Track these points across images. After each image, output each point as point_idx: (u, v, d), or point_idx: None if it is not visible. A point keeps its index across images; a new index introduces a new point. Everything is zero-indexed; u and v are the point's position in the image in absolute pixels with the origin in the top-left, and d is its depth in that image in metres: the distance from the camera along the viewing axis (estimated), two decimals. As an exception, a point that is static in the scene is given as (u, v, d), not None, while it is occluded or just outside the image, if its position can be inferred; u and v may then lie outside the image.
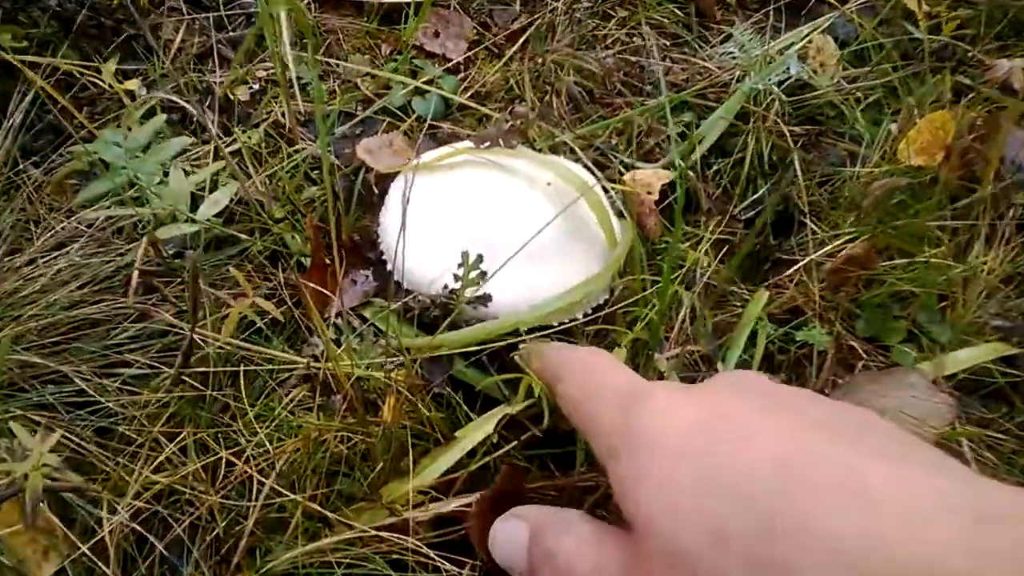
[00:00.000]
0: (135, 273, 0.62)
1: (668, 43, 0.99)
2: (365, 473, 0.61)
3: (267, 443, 0.60)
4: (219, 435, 0.62)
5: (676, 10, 1.03)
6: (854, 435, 0.34)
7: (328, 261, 0.72)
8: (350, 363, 0.58)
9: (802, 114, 0.94)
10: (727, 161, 0.88)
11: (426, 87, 0.84)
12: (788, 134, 0.87)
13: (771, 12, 1.03)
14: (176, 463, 0.61)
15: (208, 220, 0.65)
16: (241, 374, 0.63)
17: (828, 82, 0.94)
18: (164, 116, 0.64)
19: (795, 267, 0.78)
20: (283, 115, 0.78)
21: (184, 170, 0.69)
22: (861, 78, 0.96)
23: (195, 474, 0.60)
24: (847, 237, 0.79)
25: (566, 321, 0.69)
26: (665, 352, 0.76)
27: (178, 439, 0.62)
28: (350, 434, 0.62)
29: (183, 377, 0.61)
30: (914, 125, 0.87)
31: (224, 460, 0.60)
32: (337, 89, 0.86)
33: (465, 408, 0.66)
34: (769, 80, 0.89)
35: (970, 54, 0.94)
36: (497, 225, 0.68)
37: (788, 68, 0.92)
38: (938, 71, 0.94)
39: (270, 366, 0.63)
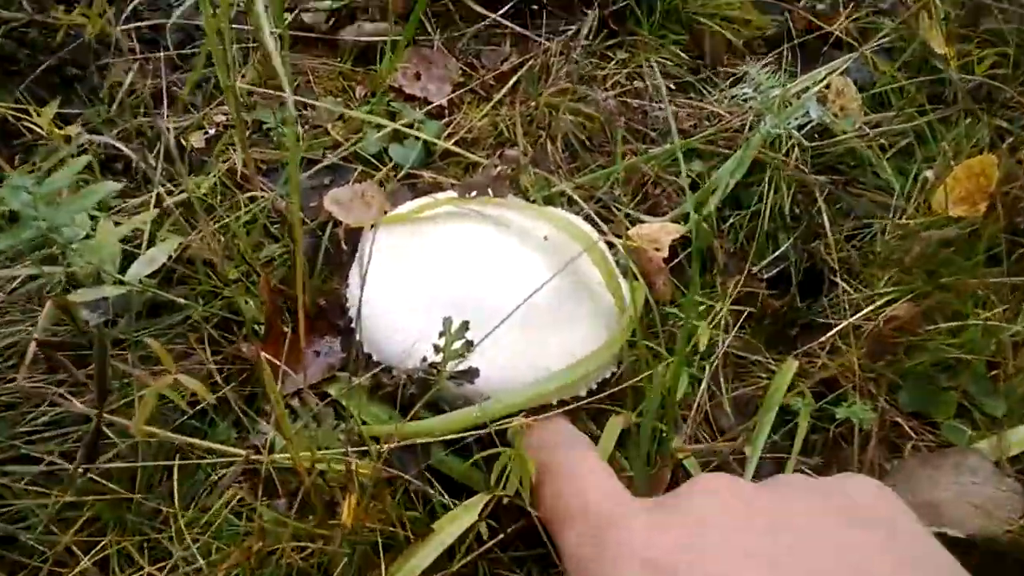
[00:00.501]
0: (32, 346, 0.51)
1: (672, 86, 0.90)
2: (325, 590, 0.49)
3: (200, 556, 0.48)
4: (146, 545, 0.51)
5: (680, 52, 0.94)
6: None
7: (286, 329, 0.62)
8: (307, 453, 0.47)
9: (822, 163, 0.84)
10: (743, 214, 0.79)
11: (406, 130, 0.74)
12: (814, 182, 0.77)
13: (783, 54, 0.94)
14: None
15: (140, 281, 0.54)
16: (175, 470, 0.52)
17: (850, 127, 0.85)
18: (88, 157, 0.54)
19: (830, 333, 0.68)
20: (239, 161, 0.68)
21: (117, 223, 0.59)
22: (885, 123, 0.87)
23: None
24: (889, 296, 0.69)
25: (568, 400, 0.58)
26: (682, 433, 0.65)
27: (95, 550, 0.50)
28: (307, 542, 0.51)
29: (98, 476, 0.50)
30: (950, 172, 0.77)
31: (148, 577, 0.48)
32: (303, 135, 0.76)
33: (446, 498, 0.55)
34: (788, 124, 0.80)
35: (1008, 95, 0.85)
36: (485, 287, 0.58)
37: (808, 112, 0.83)
38: (971, 114, 0.86)
39: (211, 458, 0.52)
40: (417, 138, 0.75)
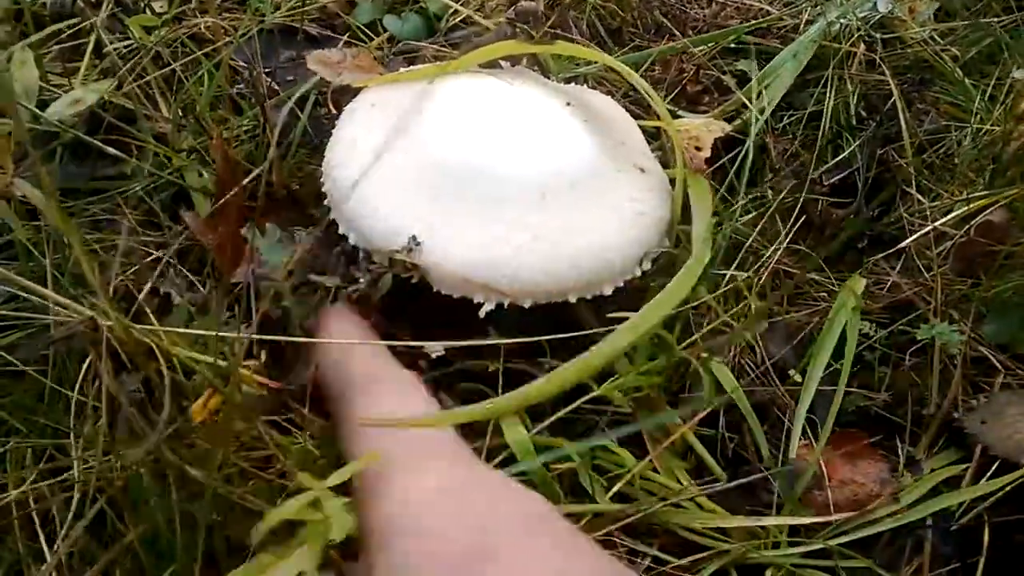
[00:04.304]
0: None
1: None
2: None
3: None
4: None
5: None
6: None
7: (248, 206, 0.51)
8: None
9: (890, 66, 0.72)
10: (799, 115, 0.67)
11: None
12: (888, 80, 0.65)
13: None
14: None
15: (58, 121, 0.43)
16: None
17: (919, 28, 0.73)
18: None
19: (907, 241, 0.56)
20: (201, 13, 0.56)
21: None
22: (959, 27, 0.75)
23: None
24: (977, 203, 0.57)
25: (588, 297, 0.47)
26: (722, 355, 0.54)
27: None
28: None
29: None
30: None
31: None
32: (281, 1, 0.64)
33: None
34: (857, 14, 0.68)
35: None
36: (496, 152, 0.46)
37: (875, 4, 0.71)
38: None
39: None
40: (415, 11, 0.64)
